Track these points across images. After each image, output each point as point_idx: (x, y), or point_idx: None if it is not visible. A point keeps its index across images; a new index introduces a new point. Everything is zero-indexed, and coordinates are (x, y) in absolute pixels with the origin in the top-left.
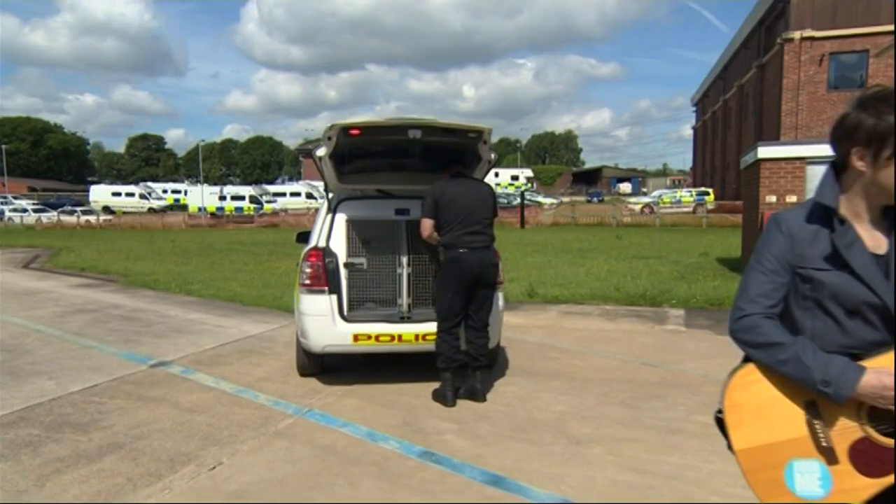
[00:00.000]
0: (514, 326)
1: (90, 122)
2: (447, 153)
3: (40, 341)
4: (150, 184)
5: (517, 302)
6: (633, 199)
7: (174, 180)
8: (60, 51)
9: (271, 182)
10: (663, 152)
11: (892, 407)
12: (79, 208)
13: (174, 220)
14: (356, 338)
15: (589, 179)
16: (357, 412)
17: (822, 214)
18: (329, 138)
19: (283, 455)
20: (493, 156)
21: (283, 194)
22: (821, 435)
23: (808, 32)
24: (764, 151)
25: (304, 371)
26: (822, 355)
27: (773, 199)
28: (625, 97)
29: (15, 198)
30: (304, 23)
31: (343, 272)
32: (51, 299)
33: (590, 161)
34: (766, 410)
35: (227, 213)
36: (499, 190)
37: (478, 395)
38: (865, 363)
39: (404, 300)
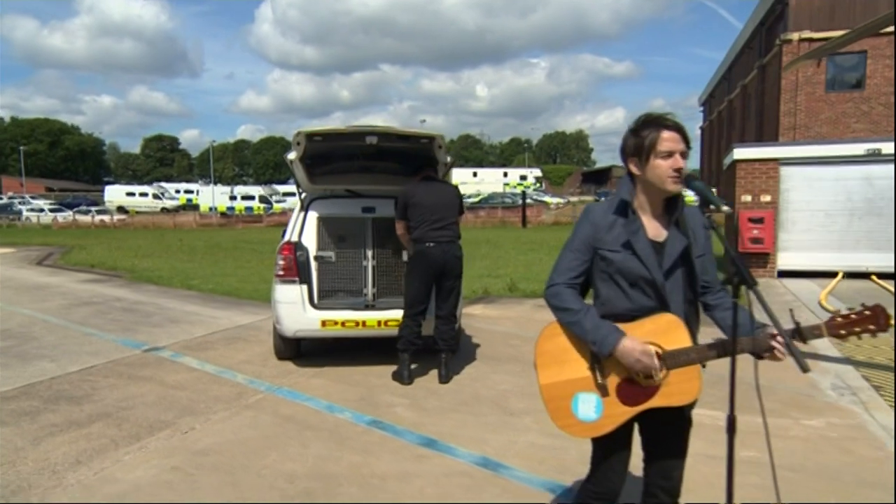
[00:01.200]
0: (486, 318)
1: (107, 123)
2: (409, 157)
3: (46, 329)
4: (163, 184)
5: (496, 296)
6: None
7: (188, 180)
8: (78, 52)
9: (283, 182)
10: None
11: (633, 368)
12: (94, 208)
13: (185, 219)
14: (324, 323)
15: (599, 179)
16: (322, 389)
17: (622, 208)
18: (298, 143)
19: (249, 422)
20: (448, 158)
21: (293, 194)
22: (598, 376)
23: (807, 34)
24: (739, 153)
25: (281, 355)
26: (596, 321)
27: (749, 198)
28: (639, 96)
29: (33, 198)
30: (318, 23)
31: (313, 264)
32: (59, 293)
33: (603, 161)
34: (562, 356)
35: (238, 212)
36: (507, 190)
37: (442, 379)
38: (632, 325)
39: (369, 290)
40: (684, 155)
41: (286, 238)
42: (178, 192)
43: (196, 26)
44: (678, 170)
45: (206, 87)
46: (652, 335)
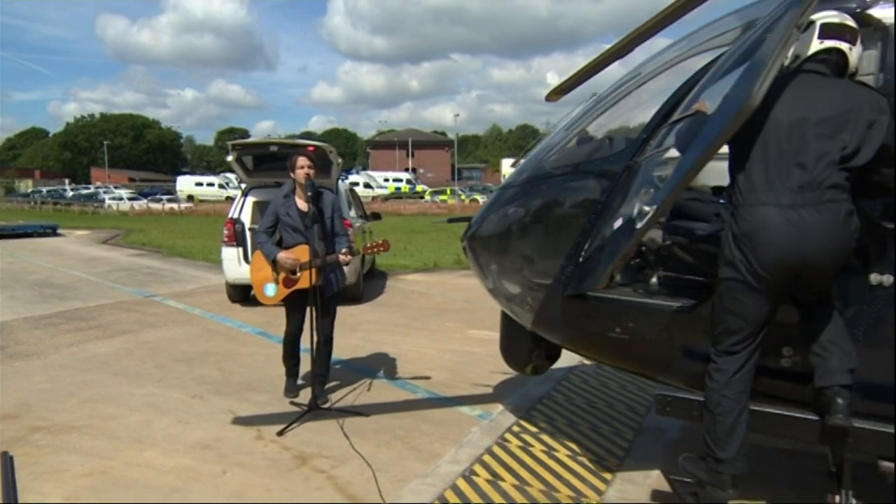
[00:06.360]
0: (411, 281)
1: (189, 116)
2: (320, 158)
3: (86, 284)
4: (228, 174)
5: (441, 267)
6: None
7: None
8: (163, 48)
9: (347, 172)
10: None
11: (284, 265)
12: (165, 197)
13: None
14: None
15: None
16: (244, 317)
17: (286, 194)
18: (230, 150)
19: (183, 331)
20: (339, 160)
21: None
22: (274, 274)
23: None
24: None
25: (232, 299)
26: (271, 247)
27: None
28: None
29: (116, 187)
30: (388, 13)
31: (248, 234)
32: (107, 262)
33: None
34: (260, 266)
35: None
36: None
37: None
38: (291, 250)
39: None
40: (310, 167)
41: (229, 215)
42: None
43: (272, 20)
44: (307, 175)
45: (281, 79)
46: (298, 254)
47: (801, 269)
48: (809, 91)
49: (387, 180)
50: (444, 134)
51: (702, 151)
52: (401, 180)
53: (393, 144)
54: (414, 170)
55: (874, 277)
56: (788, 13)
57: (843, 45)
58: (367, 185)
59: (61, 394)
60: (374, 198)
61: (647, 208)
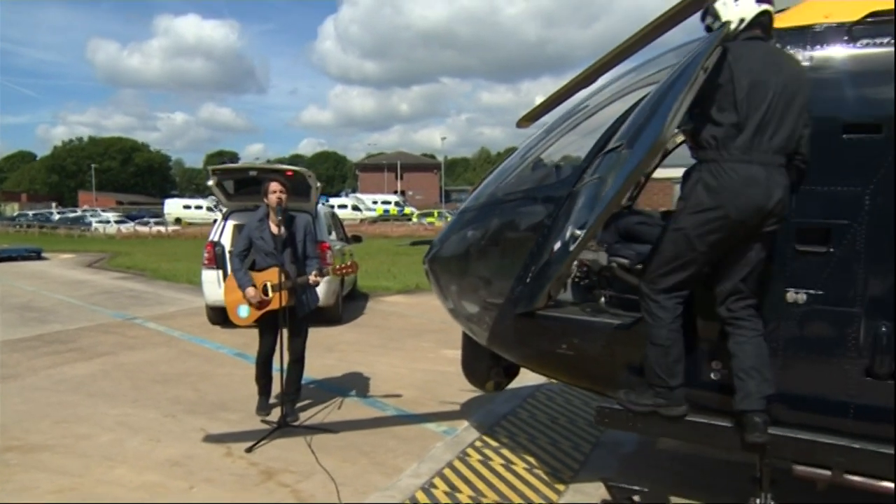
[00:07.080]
0: (392, 302)
1: (179, 139)
2: (298, 183)
3: (67, 307)
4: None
5: (425, 290)
6: None
7: None
8: (154, 72)
9: (336, 195)
10: None
11: (251, 299)
12: (152, 220)
13: None
14: None
15: None
16: (222, 339)
17: (261, 218)
18: (211, 174)
19: (161, 352)
20: (318, 184)
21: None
22: (247, 297)
23: None
24: None
25: (212, 321)
26: (244, 276)
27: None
28: None
29: (103, 211)
30: (378, 38)
31: (227, 256)
32: (90, 286)
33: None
34: (233, 287)
35: None
36: None
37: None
38: (264, 272)
39: None
40: (282, 192)
41: (210, 238)
42: None
43: (263, 44)
44: (279, 199)
45: (271, 102)
46: (269, 276)
47: (767, 217)
48: (769, 58)
49: (375, 203)
50: (433, 157)
51: (623, 181)
52: (389, 203)
53: (382, 167)
54: (403, 192)
55: (790, 296)
56: (696, 57)
57: (771, 8)
58: (355, 208)
59: (36, 415)
60: (362, 220)
61: (578, 232)
